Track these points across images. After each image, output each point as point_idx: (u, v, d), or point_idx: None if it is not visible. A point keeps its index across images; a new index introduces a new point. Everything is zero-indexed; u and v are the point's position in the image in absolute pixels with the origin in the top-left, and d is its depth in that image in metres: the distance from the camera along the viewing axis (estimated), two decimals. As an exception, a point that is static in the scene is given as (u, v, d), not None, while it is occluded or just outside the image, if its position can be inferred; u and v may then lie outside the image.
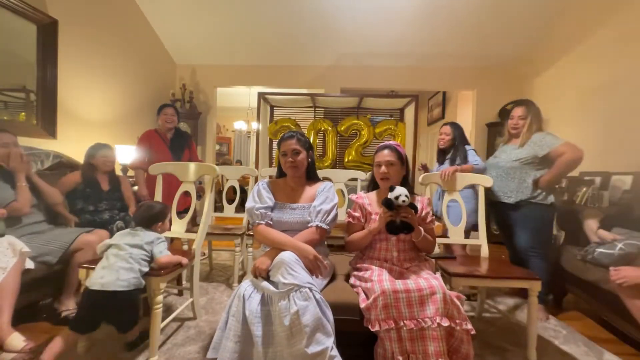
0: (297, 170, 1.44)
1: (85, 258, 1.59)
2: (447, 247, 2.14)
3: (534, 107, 2.03)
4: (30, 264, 1.48)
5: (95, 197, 2.10)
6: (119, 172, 2.56)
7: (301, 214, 1.40)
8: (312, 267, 1.24)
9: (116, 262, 1.33)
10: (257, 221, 1.37)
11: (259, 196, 1.42)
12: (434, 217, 1.49)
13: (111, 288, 1.26)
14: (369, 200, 1.49)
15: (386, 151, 1.44)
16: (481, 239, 1.79)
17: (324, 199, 1.41)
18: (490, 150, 4.08)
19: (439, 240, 1.75)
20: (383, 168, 1.41)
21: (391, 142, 1.50)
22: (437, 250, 1.71)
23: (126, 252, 1.37)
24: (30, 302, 1.61)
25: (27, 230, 1.68)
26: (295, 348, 1.04)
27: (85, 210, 2.05)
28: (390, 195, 1.29)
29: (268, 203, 1.40)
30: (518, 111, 2.04)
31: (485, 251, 1.76)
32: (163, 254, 1.44)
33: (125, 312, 1.33)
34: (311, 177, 1.53)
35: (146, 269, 1.39)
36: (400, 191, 1.28)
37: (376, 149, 1.51)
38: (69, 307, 1.66)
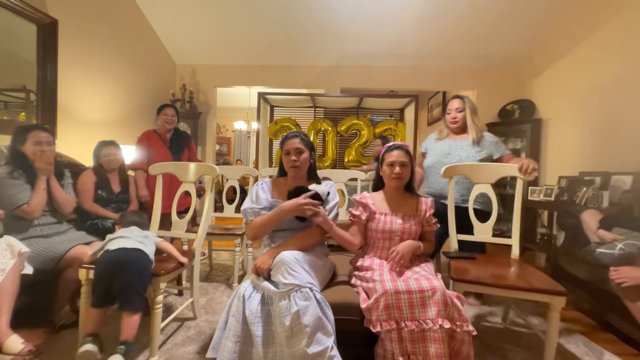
0: (299, 171, 1.44)
1: (74, 278, 1.50)
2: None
3: (470, 100, 2.00)
4: (29, 270, 1.46)
5: (106, 199, 2.09)
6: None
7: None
8: (305, 212, 1.27)
9: (131, 239, 1.42)
10: (250, 218, 1.40)
11: (257, 197, 1.44)
12: (436, 220, 1.47)
13: (130, 246, 1.36)
14: (373, 200, 1.49)
15: (399, 151, 1.44)
16: (513, 239, 1.63)
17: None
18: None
19: (461, 237, 1.69)
20: (398, 169, 1.41)
21: (401, 143, 1.50)
22: (455, 248, 1.69)
23: (135, 238, 1.45)
24: (29, 304, 1.60)
25: (32, 233, 1.64)
26: (296, 348, 1.04)
27: (91, 213, 2.03)
28: (314, 186, 1.37)
29: (264, 204, 1.41)
30: (455, 103, 1.99)
31: (515, 253, 1.61)
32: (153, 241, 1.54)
33: (138, 273, 1.32)
34: (312, 177, 1.53)
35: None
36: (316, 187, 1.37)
37: (385, 148, 1.50)
38: (62, 318, 1.62)
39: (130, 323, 1.29)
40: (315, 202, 1.28)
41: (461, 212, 1.75)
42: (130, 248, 1.37)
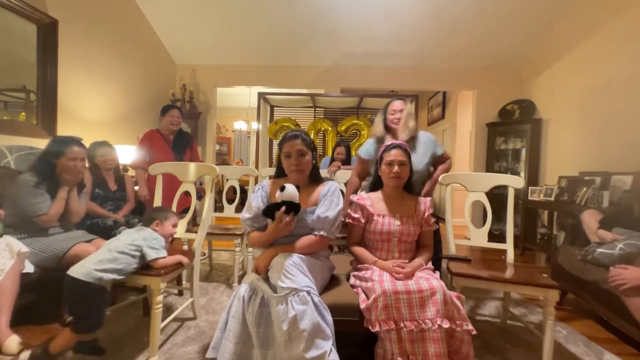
0: (302, 174, 1.36)
1: None
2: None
3: (408, 102, 1.94)
4: (30, 268, 1.46)
5: (103, 198, 2.09)
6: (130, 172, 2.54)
7: (305, 219, 1.33)
8: (286, 230, 1.24)
9: (104, 251, 1.31)
10: (247, 229, 1.40)
11: (249, 205, 1.40)
12: (435, 220, 1.47)
13: (75, 275, 1.20)
14: (371, 201, 1.47)
15: (398, 150, 1.43)
16: (508, 244, 1.68)
17: (330, 204, 1.32)
18: (491, 150, 4.08)
19: (458, 242, 1.72)
20: (396, 168, 1.40)
21: (400, 142, 1.49)
22: (453, 251, 1.70)
23: (121, 242, 1.35)
24: (29, 304, 1.60)
25: (34, 232, 1.63)
26: (294, 352, 1.03)
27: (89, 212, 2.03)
28: (279, 195, 1.25)
29: (254, 212, 1.37)
30: (397, 105, 1.90)
31: (510, 257, 1.67)
32: (159, 254, 1.40)
33: (80, 304, 1.22)
34: (314, 178, 1.44)
35: (134, 266, 1.34)
36: (290, 191, 1.24)
37: (383, 148, 1.49)
38: None
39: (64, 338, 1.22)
40: (288, 217, 1.23)
41: None
42: (73, 278, 1.21)
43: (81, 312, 1.22)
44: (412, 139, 1.84)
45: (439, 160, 1.88)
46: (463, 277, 1.43)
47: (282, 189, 1.24)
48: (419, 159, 1.80)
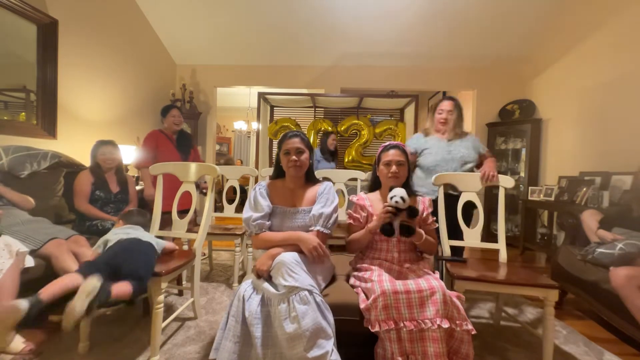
0: (299, 170, 1.40)
1: (60, 266, 1.52)
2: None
3: (459, 103, 2.08)
4: (30, 262, 1.47)
5: (104, 200, 2.08)
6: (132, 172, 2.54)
7: (302, 218, 1.37)
8: (314, 257, 1.25)
9: (135, 232, 1.50)
10: (255, 232, 1.36)
11: (256, 204, 1.39)
12: (434, 218, 1.48)
13: (145, 238, 1.46)
14: (370, 201, 1.48)
15: (396, 151, 1.44)
16: (500, 243, 1.70)
17: (325, 201, 1.37)
18: (491, 149, 4.08)
19: (451, 242, 1.73)
20: (394, 168, 1.41)
21: (397, 142, 1.50)
22: (447, 252, 1.70)
23: (138, 234, 1.50)
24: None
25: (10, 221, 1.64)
26: (295, 351, 1.03)
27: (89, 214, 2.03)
28: (389, 196, 1.29)
29: (265, 210, 1.37)
30: (447, 105, 2.05)
31: (503, 256, 1.68)
32: (160, 244, 1.58)
33: (145, 262, 1.37)
34: (310, 178, 1.49)
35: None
36: (397, 192, 1.28)
37: (381, 148, 1.50)
38: None
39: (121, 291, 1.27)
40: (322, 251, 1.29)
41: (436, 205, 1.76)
42: (144, 240, 1.46)
43: (140, 270, 1.33)
44: (464, 134, 2.04)
45: (484, 158, 1.99)
46: (465, 280, 1.41)
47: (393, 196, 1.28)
48: (469, 153, 1.98)
